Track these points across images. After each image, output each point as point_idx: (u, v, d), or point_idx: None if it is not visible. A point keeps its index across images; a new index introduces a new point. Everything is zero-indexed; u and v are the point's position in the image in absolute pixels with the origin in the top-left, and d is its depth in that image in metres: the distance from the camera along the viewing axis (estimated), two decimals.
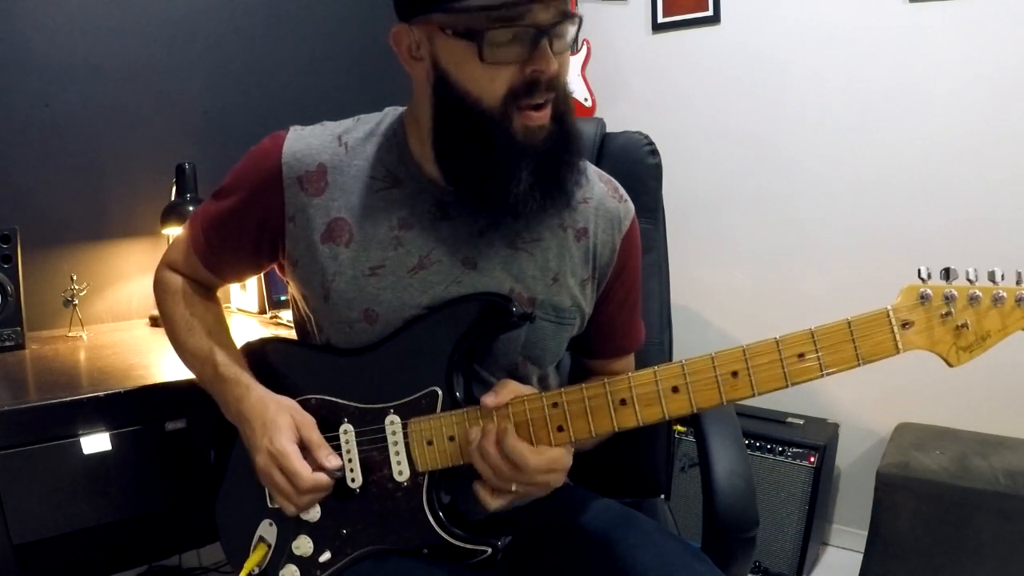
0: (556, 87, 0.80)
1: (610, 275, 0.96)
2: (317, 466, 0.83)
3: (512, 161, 0.80)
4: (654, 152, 1.26)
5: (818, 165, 2.06)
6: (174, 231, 1.67)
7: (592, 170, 0.97)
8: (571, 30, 0.80)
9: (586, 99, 2.26)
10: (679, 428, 2.01)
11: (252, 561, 0.89)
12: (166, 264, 1.02)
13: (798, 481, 1.91)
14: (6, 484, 1.07)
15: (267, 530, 0.91)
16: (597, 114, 2.26)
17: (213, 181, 0.95)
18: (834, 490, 2.13)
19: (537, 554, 0.93)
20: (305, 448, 0.84)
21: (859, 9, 1.94)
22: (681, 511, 1.98)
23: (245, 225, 0.92)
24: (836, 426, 2.06)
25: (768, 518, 1.93)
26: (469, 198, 0.85)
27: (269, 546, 0.90)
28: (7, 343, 1.43)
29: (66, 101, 1.67)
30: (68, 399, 1.11)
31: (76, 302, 1.58)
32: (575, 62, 2.26)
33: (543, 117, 0.80)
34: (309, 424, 0.86)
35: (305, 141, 0.89)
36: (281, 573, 0.89)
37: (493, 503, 0.80)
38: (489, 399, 0.81)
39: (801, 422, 2.04)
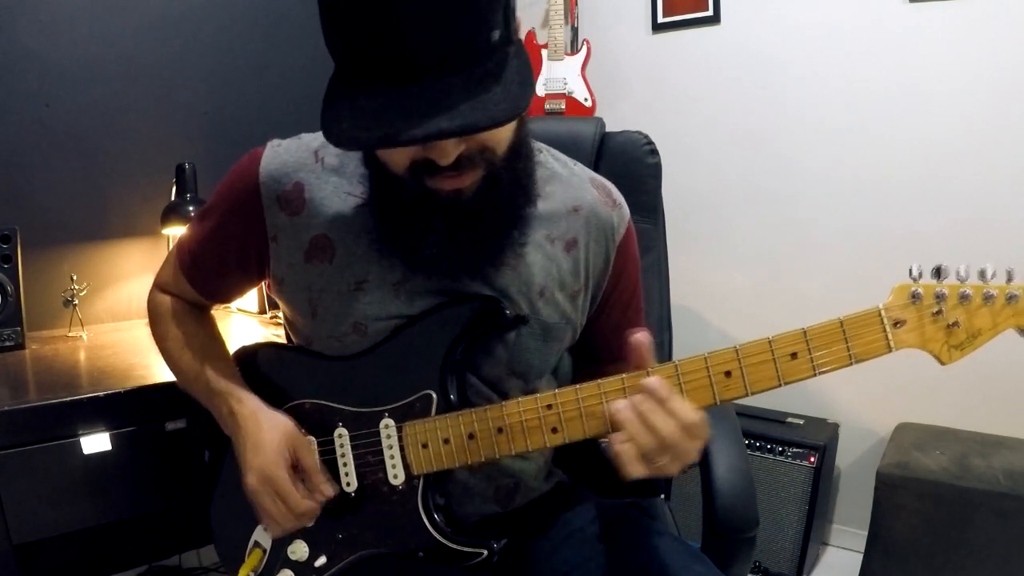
0: (477, 160, 0.74)
1: (606, 284, 0.95)
2: (310, 492, 0.83)
3: (422, 227, 0.78)
4: (654, 152, 1.26)
5: (818, 165, 2.05)
6: (174, 231, 1.67)
7: (584, 175, 0.95)
8: None
9: (586, 99, 2.26)
10: None
11: (247, 566, 0.89)
12: (157, 286, 1.02)
13: (798, 481, 1.91)
14: (6, 484, 1.07)
15: (262, 535, 0.91)
16: (597, 114, 2.26)
17: (213, 181, 0.95)
18: (834, 490, 2.13)
19: (536, 555, 0.93)
20: (298, 469, 0.83)
21: (859, 9, 1.94)
22: (681, 511, 1.98)
23: (228, 247, 0.91)
24: (836, 426, 2.05)
25: (768, 518, 1.93)
26: (390, 250, 0.84)
27: (264, 551, 0.90)
28: (7, 343, 1.43)
29: (66, 101, 1.67)
30: (68, 399, 1.12)
31: (76, 302, 1.58)
32: (575, 62, 2.27)
33: (459, 182, 0.75)
34: (304, 448, 0.84)
35: (281, 159, 0.87)
36: None
37: (638, 471, 0.72)
38: (641, 339, 0.75)
39: (801, 422, 2.03)
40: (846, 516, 2.13)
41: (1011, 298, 0.69)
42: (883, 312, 0.71)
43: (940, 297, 0.70)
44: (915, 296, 0.71)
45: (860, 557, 1.78)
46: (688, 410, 0.72)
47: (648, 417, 0.72)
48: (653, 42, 2.28)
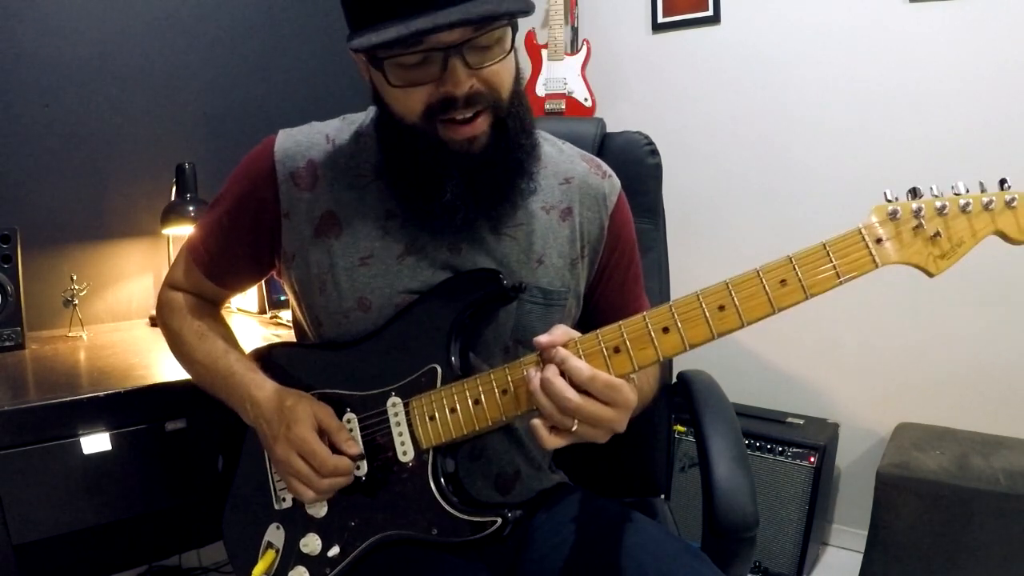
0: (486, 99, 0.79)
1: (604, 252, 0.98)
2: (337, 452, 0.84)
3: (439, 174, 0.82)
4: (654, 152, 1.26)
5: (818, 165, 2.05)
6: (174, 231, 1.67)
7: (573, 151, 0.99)
8: (498, 39, 0.77)
9: (586, 99, 2.26)
10: (679, 428, 2.00)
11: (261, 567, 0.89)
12: (168, 285, 1.03)
13: (798, 481, 1.91)
14: (6, 484, 1.07)
15: (274, 534, 0.91)
16: (597, 114, 2.26)
17: (213, 181, 0.96)
18: (834, 490, 2.13)
19: (535, 552, 0.93)
20: (323, 435, 0.85)
21: (859, 9, 1.94)
22: (681, 511, 1.98)
23: (242, 226, 0.93)
24: (836, 426, 2.05)
25: (768, 518, 1.93)
26: (406, 208, 0.88)
27: (277, 550, 0.90)
28: (7, 343, 1.43)
29: (66, 101, 1.67)
30: (68, 399, 1.12)
31: (76, 302, 1.58)
32: (575, 62, 2.27)
33: (473, 129, 0.80)
34: (326, 411, 0.86)
35: (294, 140, 0.92)
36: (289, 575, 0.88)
37: (552, 441, 0.75)
38: (543, 338, 0.78)
39: (801, 422, 2.03)
40: (846, 516, 2.13)
41: (987, 204, 0.70)
42: (863, 230, 0.72)
43: (918, 212, 0.72)
44: (893, 214, 0.72)
45: (860, 557, 1.78)
46: (584, 371, 0.74)
47: (546, 383, 0.74)
48: (653, 42, 2.28)
